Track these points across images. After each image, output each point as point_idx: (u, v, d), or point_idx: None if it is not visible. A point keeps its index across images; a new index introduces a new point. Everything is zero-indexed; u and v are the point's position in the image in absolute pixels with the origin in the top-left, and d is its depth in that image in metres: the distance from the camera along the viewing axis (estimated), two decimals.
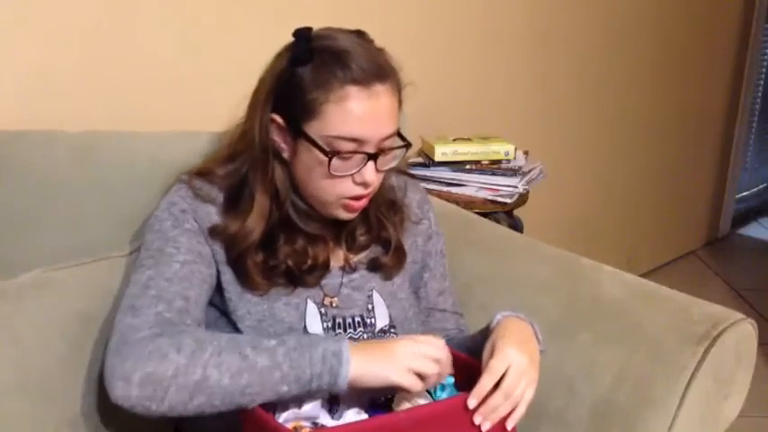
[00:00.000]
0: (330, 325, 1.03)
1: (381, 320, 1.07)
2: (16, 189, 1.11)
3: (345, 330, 1.04)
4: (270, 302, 1.01)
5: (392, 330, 1.07)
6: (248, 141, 1.00)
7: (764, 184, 4.19)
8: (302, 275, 1.02)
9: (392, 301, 1.09)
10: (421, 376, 0.87)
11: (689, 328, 1.06)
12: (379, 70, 0.95)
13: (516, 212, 1.86)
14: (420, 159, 1.87)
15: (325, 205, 1.01)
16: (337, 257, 1.08)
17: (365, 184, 0.98)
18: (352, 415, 0.91)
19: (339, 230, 1.07)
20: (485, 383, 0.88)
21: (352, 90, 0.93)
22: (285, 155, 1.00)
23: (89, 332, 1.04)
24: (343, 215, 1.02)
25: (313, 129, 0.95)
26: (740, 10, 3.31)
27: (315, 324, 1.02)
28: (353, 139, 0.94)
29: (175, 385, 0.83)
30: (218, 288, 1.02)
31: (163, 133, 1.24)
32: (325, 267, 1.04)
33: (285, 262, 1.00)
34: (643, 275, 1.23)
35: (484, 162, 1.80)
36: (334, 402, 0.91)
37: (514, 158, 1.83)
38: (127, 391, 0.84)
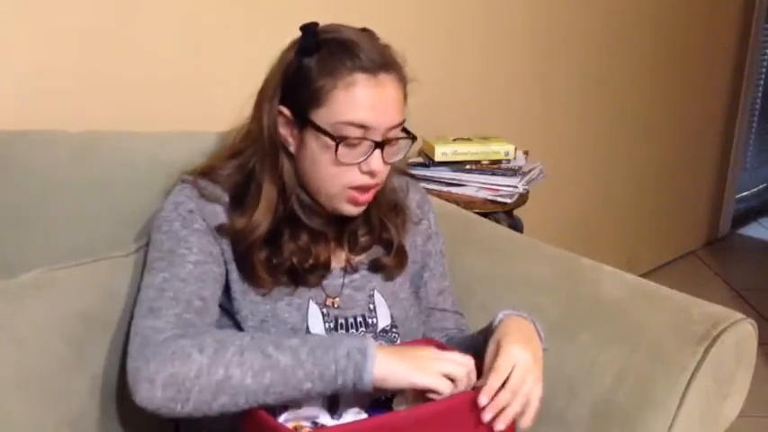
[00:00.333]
0: (332, 325, 1.03)
1: (383, 320, 1.07)
2: (16, 189, 1.11)
3: (347, 331, 1.04)
4: (272, 303, 1.01)
5: (394, 330, 1.07)
6: (255, 136, 1.00)
7: (764, 184, 4.19)
8: (305, 274, 1.02)
9: (393, 300, 1.09)
10: (451, 379, 0.87)
11: (689, 328, 1.06)
12: (386, 61, 0.96)
13: (516, 212, 1.86)
14: (420, 159, 1.87)
15: (331, 198, 1.00)
16: (339, 258, 1.08)
17: (371, 173, 0.98)
18: (352, 415, 0.91)
19: (341, 229, 1.07)
20: (493, 382, 0.87)
21: (361, 77, 0.93)
22: (291, 148, 1.00)
23: (89, 332, 1.04)
24: (349, 209, 1.01)
25: (320, 116, 0.95)
26: (740, 10, 3.31)
27: (317, 325, 1.02)
28: (361, 126, 0.94)
29: (198, 386, 0.83)
30: (225, 287, 1.02)
31: (163, 133, 1.24)
32: (327, 267, 1.04)
33: (290, 259, 1.00)
34: (643, 275, 1.23)
35: (484, 162, 1.80)
36: (333, 402, 0.91)
37: (514, 158, 1.83)
38: (151, 393, 0.84)
